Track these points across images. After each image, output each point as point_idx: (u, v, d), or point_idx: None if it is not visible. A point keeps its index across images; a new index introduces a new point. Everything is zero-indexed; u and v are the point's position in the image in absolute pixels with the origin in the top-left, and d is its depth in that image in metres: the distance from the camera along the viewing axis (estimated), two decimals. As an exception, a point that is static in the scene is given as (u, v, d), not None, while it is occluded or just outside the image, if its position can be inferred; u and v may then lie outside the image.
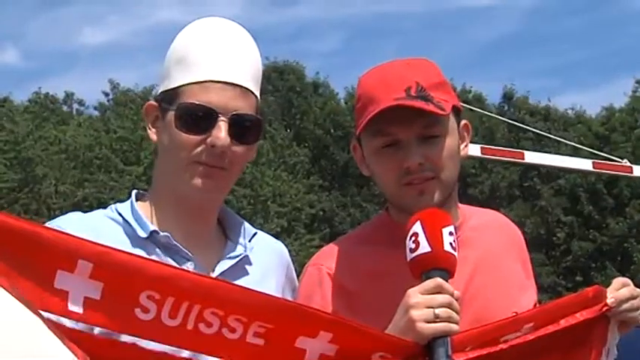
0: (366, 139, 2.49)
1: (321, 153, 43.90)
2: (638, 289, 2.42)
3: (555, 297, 2.67)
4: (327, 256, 2.54)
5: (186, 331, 1.94)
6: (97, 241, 1.90)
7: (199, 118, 2.32)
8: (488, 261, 2.57)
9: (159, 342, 1.96)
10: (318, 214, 41.31)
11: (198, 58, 2.36)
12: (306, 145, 43.90)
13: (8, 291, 1.81)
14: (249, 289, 2.04)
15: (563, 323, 2.36)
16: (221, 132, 2.30)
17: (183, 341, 1.96)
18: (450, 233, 2.15)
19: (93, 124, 43.49)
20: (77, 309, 1.87)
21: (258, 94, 2.41)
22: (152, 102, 2.44)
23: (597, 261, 40.27)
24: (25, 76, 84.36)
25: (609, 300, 2.36)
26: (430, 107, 2.38)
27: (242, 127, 2.35)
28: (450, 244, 2.13)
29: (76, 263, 1.85)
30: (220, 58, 2.36)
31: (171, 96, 2.36)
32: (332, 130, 43.79)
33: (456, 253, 2.15)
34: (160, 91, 2.42)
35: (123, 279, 1.89)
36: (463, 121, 2.58)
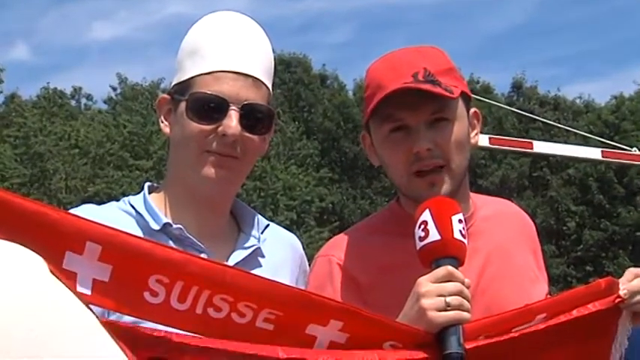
0: (375, 125, 2.47)
1: (330, 145, 43.87)
2: None
3: (566, 287, 2.66)
4: (337, 247, 2.54)
5: (195, 315, 1.94)
6: (105, 224, 1.89)
7: (211, 108, 2.33)
8: (499, 252, 2.55)
9: (167, 325, 1.95)
10: (328, 207, 41.30)
11: (210, 49, 2.37)
12: (315, 137, 43.85)
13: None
14: (259, 276, 2.04)
15: (576, 314, 2.35)
16: (232, 121, 2.31)
17: (191, 325, 1.96)
18: (460, 221, 2.14)
19: (103, 119, 43.52)
20: (86, 290, 1.86)
21: (270, 85, 2.42)
22: (165, 95, 2.46)
23: (608, 250, 40.20)
24: (35, 71, 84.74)
25: (622, 291, 2.35)
26: (438, 90, 2.36)
27: (253, 117, 2.35)
28: (460, 231, 2.12)
29: (85, 245, 1.85)
30: (232, 49, 2.37)
31: (183, 87, 2.37)
32: (341, 123, 43.72)
33: (465, 241, 2.14)
34: (172, 84, 2.44)
35: (132, 262, 1.89)
36: (473, 109, 2.57)
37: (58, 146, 39.50)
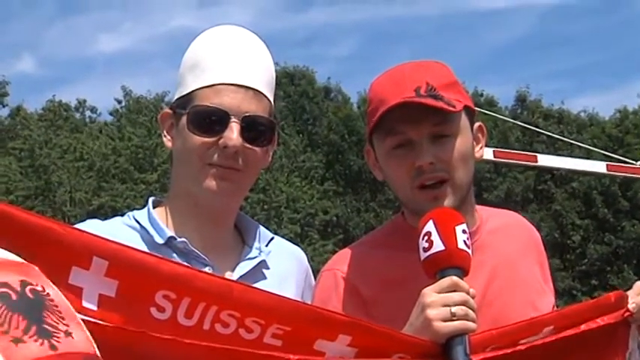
0: (378, 140, 2.46)
1: (334, 158, 43.89)
2: None
3: (571, 301, 2.63)
4: (342, 261, 2.52)
5: (203, 331, 1.92)
6: (111, 239, 1.88)
7: (212, 120, 2.33)
8: (506, 265, 2.53)
9: None
10: (332, 220, 41.28)
11: (211, 62, 2.38)
12: (320, 150, 43.88)
13: None
14: (266, 291, 2.03)
15: (584, 327, 2.32)
16: (233, 133, 2.31)
17: (199, 341, 1.93)
18: (463, 231, 2.12)
19: (108, 131, 43.61)
20: (91, 306, 1.85)
21: (271, 98, 2.43)
22: (167, 110, 2.47)
23: (613, 264, 40.11)
24: (40, 84, 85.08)
25: (630, 305, 2.33)
26: (440, 104, 2.35)
27: (255, 129, 2.35)
28: (464, 241, 2.09)
29: (91, 260, 1.83)
30: (232, 61, 2.37)
31: (184, 101, 2.38)
32: (345, 136, 43.75)
33: (469, 251, 2.12)
34: (174, 98, 2.45)
35: (138, 278, 1.87)
36: (478, 123, 2.54)
37: (63, 159, 39.63)
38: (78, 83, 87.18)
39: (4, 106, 45.69)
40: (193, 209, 2.40)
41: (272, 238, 2.55)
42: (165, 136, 2.46)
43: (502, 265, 2.51)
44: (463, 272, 2.12)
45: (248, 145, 2.34)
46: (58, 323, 1.37)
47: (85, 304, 1.84)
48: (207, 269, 2.32)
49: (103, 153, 40.40)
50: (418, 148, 2.38)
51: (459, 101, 2.42)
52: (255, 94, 2.37)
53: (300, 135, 44.46)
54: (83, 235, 1.87)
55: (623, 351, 2.37)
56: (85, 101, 49.67)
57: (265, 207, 38.55)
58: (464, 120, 2.45)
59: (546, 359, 2.29)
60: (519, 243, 2.64)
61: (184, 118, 2.36)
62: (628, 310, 2.32)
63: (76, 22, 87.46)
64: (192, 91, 2.37)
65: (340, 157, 43.67)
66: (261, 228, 2.54)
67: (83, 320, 1.79)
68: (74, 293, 1.81)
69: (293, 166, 41.77)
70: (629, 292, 2.36)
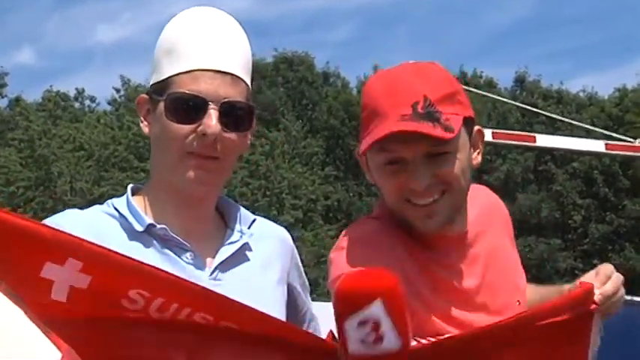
0: (370, 153, 2.30)
1: (335, 143, 43.90)
2: (619, 278, 2.32)
3: (573, 281, 2.58)
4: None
5: (177, 321, 1.87)
6: (89, 240, 1.81)
7: (189, 108, 2.29)
8: (493, 253, 2.48)
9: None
10: (334, 205, 41.33)
11: (187, 48, 2.34)
12: (320, 135, 43.88)
13: None
14: (240, 302, 1.94)
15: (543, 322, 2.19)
16: (212, 120, 2.27)
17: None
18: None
19: (107, 121, 43.66)
20: (61, 298, 1.79)
21: (249, 81, 2.40)
22: (143, 95, 2.44)
23: (615, 243, 40.16)
24: (39, 75, 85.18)
25: (597, 297, 2.22)
26: (437, 132, 2.18)
27: (233, 115, 2.32)
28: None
29: (66, 260, 1.77)
30: (209, 47, 2.34)
31: (161, 87, 2.34)
32: (346, 120, 43.76)
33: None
34: (150, 83, 2.41)
35: (114, 276, 1.81)
36: (476, 128, 2.39)
37: (62, 149, 39.65)
38: (77, 74, 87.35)
39: (2, 97, 45.79)
40: (172, 196, 2.37)
41: (254, 220, 2.51)
42: (142, 121, 2.43)
43: (491, 254, 2.47)
44: None
45: (227, 132, 2.31)
46: None
47: (54, 296, 1.78)
48: (188, 254, 2.32)
49: (102, 142, 40.44)
50: (412, 167, 2.24)
51: (458, 115, 2.26)
52: (233, 79, 2.33)
53: (300, 121, 44.44)
54: (60, 235, 1.79)
55: (588, 341, 2.24)
56: (83, 90, 49.79)
57: (267, 193, 38.56)
58: (463, 134, 2.29)
59: (506, 344, 2.13)
60: (498, 225, 2.56)
61: (161, 105, 2.32)
62: (595, 302, 2.19)
63: (75, 13, 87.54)
64: (169, 77, 2.33)
65: (340, 142, 43.68)
66: (243, 210, 2.51)
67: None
68: (44, 286, 1.76)
69: (294, 152, 41.78)
70: (593, 281, 2.25)
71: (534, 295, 2.63)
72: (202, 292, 1.89)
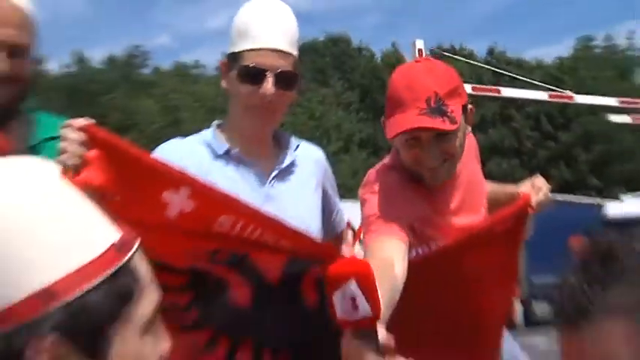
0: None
1: (365, 96, 43.42)
2: (547, 187, 2.24)
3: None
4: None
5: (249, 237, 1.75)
6: (198, 177, 1.72)
7: (254, 75, 2.26)
8: (471, 177, 2.35)
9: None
10: (364, 138, 41.09)
11: (254, 31, 2.27)
12: (355, 90, 43.39)
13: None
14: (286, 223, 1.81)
15: (499, 226, 2.13)
16: (269, 84, 2.24)
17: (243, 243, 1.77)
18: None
19: (214, 82, 43.56)
20: (172, 216, 1.67)
21: (296, 53, 2.33)
22: (223, 61, 2.38)
23: (553, 162, 39.52)
24: (171, 51, 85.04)
25: (533, 204, 2.16)
26: (445, 125, 2.04)
27: (284, 80, 2.28)
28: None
29: (180, 188, 1.66)
30: (269, 30, 2.27)
31: (235, 57, 2.30)
32: (373, 81, 43.19)
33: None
34: (228, 52, 2.36)
35: (211, 203, 1.69)
36: (470, 107, 2.21)
37: (186, 100, 39.68)
38: (195, 49, 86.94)
39: (146, 67, 45.80)
40: (243, 131, 2.35)
41: (299, 145, 2.44)
42: (222, 79, 2.38)
43: (469, 179, 2.34)
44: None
45: (279, 91, 2.27)
46: None
47: (167, 214, 1.67)
48: (254, 170, 2.27)
49: (211, 96, 40.45)
50: (425, 145, 2.11)
51: (458, 104, 2.11)
52: (285, 54, 2.28)
53: (342, 80, 43.94)
54: (178, 171, 1.68)
55: (522, 237, 2.15)
56: (198, 61, 49.39)
57: (320, 130, 38.40)
58: (462, 119, 2.14)
59: (469, 251, 2.07)
60: (471, 155, 2.40)
61: (235, 71, 2.29)
62: (531, 206, 2.15)
63: (204, 4, 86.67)
64: (241, 51, 2.29)
65: (369, 95, 43.17)
66: (292, 137, 2.44)
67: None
68: (162, 206, 1.65)
69: (337, 102, 41.40)
70: (530, 191, 2.20)
71: (489, 188, 2.52)
72: (267, 215, 1.77)
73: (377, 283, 1.37)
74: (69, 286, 0.89)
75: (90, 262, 0.91)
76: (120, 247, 0.96)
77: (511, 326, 2.35)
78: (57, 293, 0.88)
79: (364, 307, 1.32)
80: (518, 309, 12.72)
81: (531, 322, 12.41)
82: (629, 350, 0.91)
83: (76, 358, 0.88)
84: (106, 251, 0.94)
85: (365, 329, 1.34)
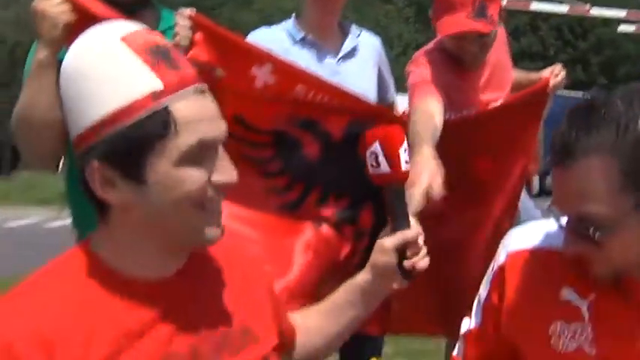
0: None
1: (419, 11, 43.06)
2: (562, 73, 2.21)
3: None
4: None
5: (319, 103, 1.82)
6: (278, 55, 1.80)
7: None
8: (498, 63, 2.34)
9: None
10: (419, 44, 34.63)
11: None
12: (412, 7, 42.70)
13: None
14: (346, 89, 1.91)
15: (513, 100, 2.18)
16: None
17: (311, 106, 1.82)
18: (405, 150, 1.27)
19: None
20: (259, 87, 1.73)
21: None
22: None
23: (571, 65, 39.32)
24: None
25: (551, 85, 2.15)
26: (487, 28, 2.10)
27: None
28: (406, 161, 1.27)
29: (265, 64, 1.71)
30: None
31: None
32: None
33: (408, 167, 1.27)
34: None
35: (290, 77, 1.77)
36: (501, 6, 2.19)
37: (277, 15, 36.34)
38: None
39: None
40: (313, 21, 2.32)
41: (360, 33, 2.37)
42: None
43: (496, 62, 2.35)
44: (403, 185, 1.30)
45: None
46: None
47: (254, 85, 1.72)
48: (325, 52, 2.28)
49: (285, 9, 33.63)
50: (469, 39, 2.16)
51: (497, 8, 2.14)
52: None
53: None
54: (262, 50, 1.76)
55: (542, 113, 2.12)
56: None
57: (383, 37, 34.87)
58: (497, 19, 2.15)
59: (477, 125, 2.12)
60: (501, 43, 2.36)
61: None
62: (549, 86, 2.12)
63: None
64: None
65: (423, 11, 42.07)
66: (354, 26, 2.38)
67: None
68: (250, 79, 1.72)
69: (399, 15, 39.74)
70: (549, 75, 2.18)
71: (516, 75, 2.48)
72: (334, 85, 1.88)
73: (422, 127, 1.76)
74: (112, 121, 0.93)
75: (129, 105, 0.92)
76: (158, 95, 0.93)
77: (529, 192, 2.46)
78: (105, 125, 0.93)
79: (384, 164, 1.26)
80: (535, 180, 13.41)
81: (544, 192, 13.19)
82: (605, 182, 0.96)
83: (120, 180, 0.95)
84: (143, 97, 0.93)
85: (390, 184, 1.27)
